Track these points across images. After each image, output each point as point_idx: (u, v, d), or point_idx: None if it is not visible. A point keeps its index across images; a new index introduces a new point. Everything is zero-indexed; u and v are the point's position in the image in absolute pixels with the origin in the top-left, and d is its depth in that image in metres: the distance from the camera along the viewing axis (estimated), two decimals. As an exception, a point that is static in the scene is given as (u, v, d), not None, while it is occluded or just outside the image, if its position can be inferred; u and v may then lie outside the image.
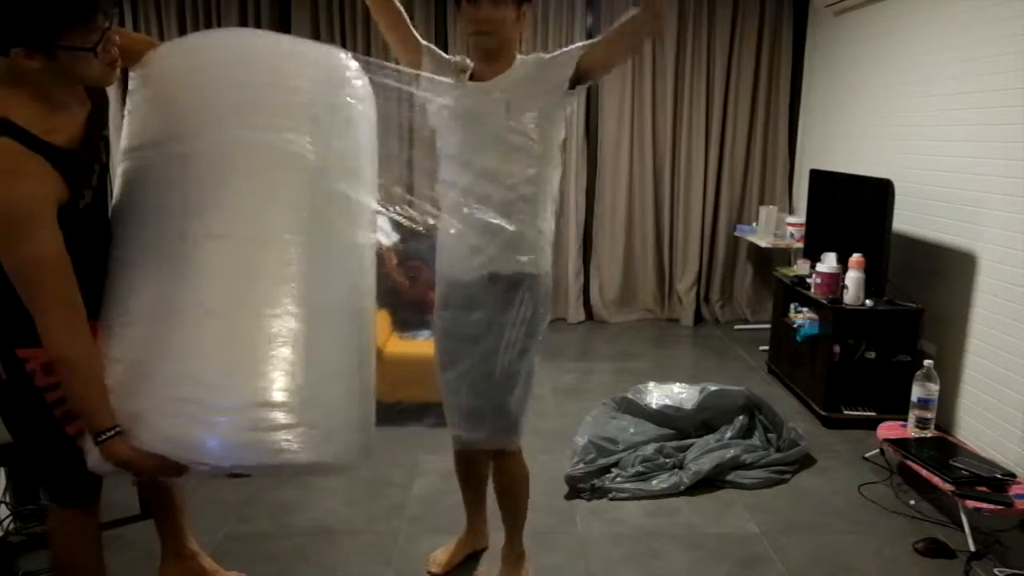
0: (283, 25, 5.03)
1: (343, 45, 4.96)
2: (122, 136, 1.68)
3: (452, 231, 1.96)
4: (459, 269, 2.00)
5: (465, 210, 1.92)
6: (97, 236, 1.63)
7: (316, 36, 5.00)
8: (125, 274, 1.58)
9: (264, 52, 1.67)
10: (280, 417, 1.47)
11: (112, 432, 1.48)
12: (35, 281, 1.43)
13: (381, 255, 2.01)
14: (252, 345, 1.50)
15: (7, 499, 2.54)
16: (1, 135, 1.39)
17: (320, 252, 1.61)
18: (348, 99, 1.69)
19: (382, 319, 3.53)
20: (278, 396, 1.47)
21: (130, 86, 1.70)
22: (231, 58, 1.64)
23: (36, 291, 1.44)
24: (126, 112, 1.69)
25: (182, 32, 4.96)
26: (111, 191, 1.70)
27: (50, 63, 1.42)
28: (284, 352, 1.50)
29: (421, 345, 3.40)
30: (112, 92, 1.73)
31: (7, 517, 2.50)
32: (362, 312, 1.74)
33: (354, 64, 1.74)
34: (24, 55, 1.39)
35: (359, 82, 1.74)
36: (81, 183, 1.55)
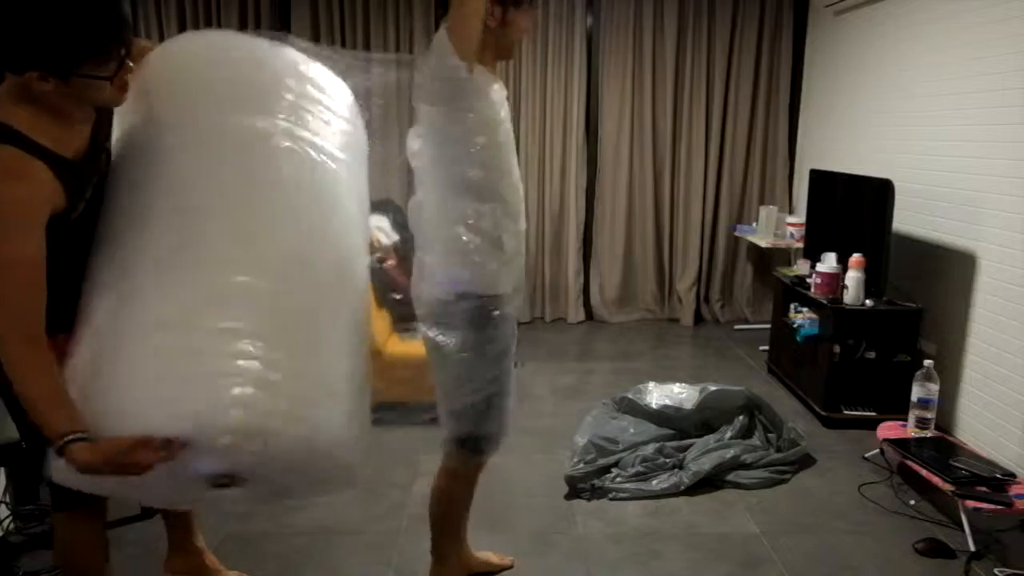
0: (283, 25, 5.02)
1: (343, 45, 4.99)
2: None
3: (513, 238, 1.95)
4: (518, 275, 2.01)
5: (521, 213, 1.96)
6: (84, 244, 1.63)
7: (316, 36, 5.00)
8: (96, 272, 1.56)
9: (242, 56, 1.69)
10: (263, 399, 1.42)
11: (78, 436, 1.38)
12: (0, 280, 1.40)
13: (377, 252, 2.00)
14: (233, 340, 1.45)
15: (7, 499, 2.54)
16: (2, 143, 1.39)
17: (313, 251, 1.61)
18: (327, 101, 1.72)
19: (382, 319, 3.52)
20: (263, 377, 1.43)
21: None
22: (211, 60, 1.67)
23: None
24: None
25: (182, 31, 4.97)
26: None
27: (63, 87, 1.42)
28: (262, 345, 1.45)
29: (421, 345, 3.39)
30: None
31: (7, 517, 2.50)
32: (355, 308, 1.74)
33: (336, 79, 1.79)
34: (38, 78, 1.39)
35: (345, 96, 1.80)
36: (79, 195, 1.55)
